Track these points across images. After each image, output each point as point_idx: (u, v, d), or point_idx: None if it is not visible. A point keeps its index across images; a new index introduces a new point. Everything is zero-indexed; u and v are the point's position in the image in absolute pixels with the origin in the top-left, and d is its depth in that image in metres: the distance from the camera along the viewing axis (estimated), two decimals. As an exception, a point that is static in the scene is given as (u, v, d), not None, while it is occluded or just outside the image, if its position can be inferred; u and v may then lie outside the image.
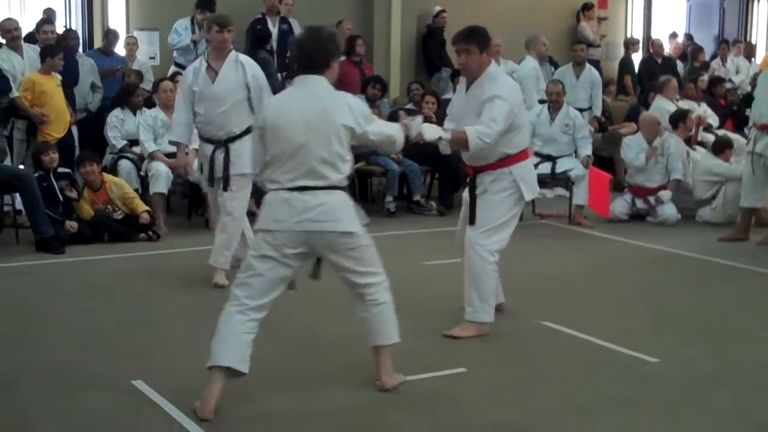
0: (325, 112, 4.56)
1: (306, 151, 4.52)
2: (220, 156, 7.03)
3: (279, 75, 11.74)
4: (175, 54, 11.67)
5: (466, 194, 6.12)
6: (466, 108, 5.88)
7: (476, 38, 5.88)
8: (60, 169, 8.92)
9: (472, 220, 5.91)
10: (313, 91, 4.63)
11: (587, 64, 12.21)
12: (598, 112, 12.13)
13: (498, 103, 5.68)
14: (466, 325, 5.93)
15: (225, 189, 7.06)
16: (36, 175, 8.74)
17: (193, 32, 11.55)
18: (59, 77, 9.74)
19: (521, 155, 5.94)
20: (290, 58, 4.82)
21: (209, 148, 7.10)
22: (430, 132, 5.48)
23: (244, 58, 7.25)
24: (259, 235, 4.64)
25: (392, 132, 4.86)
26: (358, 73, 11.70)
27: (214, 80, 7.02)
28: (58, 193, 8.71)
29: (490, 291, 5.93)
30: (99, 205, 8.83)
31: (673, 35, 16.05)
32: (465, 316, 5.94)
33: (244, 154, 6.79)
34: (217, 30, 7.06)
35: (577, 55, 12.16)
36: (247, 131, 6.80)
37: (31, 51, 9.87)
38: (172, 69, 11.42)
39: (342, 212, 4.60)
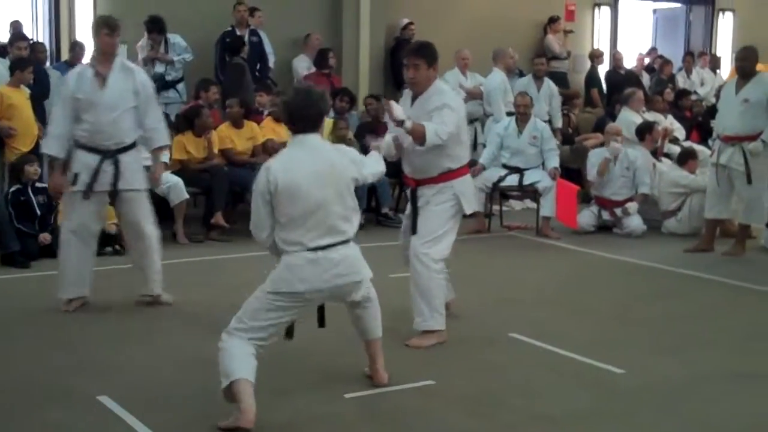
0: (333, 168, 4.74)
1: (325, 210, 4.67)
2: (108, 168, 6.60)
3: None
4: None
5: (408, 208, 6.25)
6: (415, 116, 5.91)
7: (425, 53, 6.02)
8: (38, 184, 8.84)
9: (414, 231, 6.03)
10: (316, 150, 4.78)
11: (545, 78, 12.29)
12: (558, 123, 12.23)
13: (447, 111, 5.87)
14: (423, 335, 5.98)
15: (112, 203, 6.77)
16: (13, 188, 8.66)
17: (150, 49, 11.51)
18: (27, 90, 9.67)
19: (462, 170, 6.11)
20: (284, 119, 4.81)
21: (94, 158, 6.59)
22: (399, 112, 5.72)
23: (132, 65, 7.05)
24: (281, 296, 4.67)
25: (380, 167, 5.25)
26: (328, 85, 11.70)
27: (103, 86, 6.60)
28: (36, 208, 8.63)
29: (439, 299, 6.02)
30: None
31: (651, 51, 16.15)
32: (415, 326, 6.02)
33: (135, 166, 6.70)
34: (107, 33, 6.64)
35: (538, 68, 12.24)
36: (135, 143, 6.72)
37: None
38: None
39: (361, 262, 4.89)
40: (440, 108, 5.85)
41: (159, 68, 11.51)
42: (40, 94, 10.12)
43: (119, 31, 6.76)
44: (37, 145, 9.61)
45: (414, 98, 6.06)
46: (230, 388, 4.51)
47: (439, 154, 5.93)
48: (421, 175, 6.05)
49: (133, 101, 6.66)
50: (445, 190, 6.01)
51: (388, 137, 5.98)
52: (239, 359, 4.57)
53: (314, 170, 4.67)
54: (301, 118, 4.74)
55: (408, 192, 6.35)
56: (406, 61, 6.06)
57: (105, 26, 6.67)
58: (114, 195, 6.67)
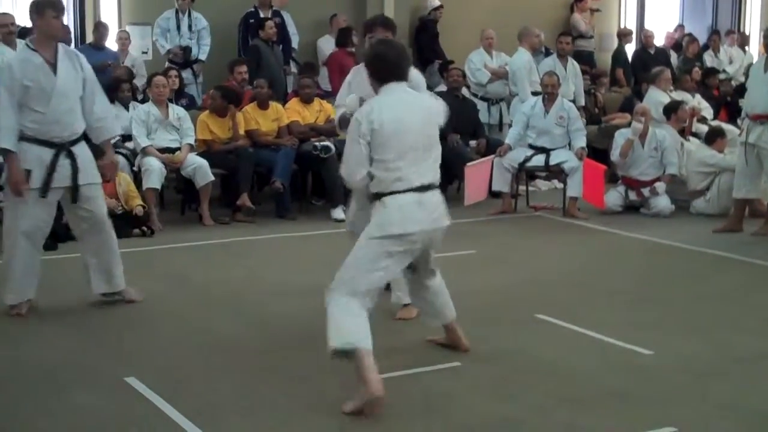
0: (429, 114, 4.91)
1: (427, 149, 4.81)
2: (65, 162, 6.13)
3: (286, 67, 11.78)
4: (165, 45, 11.64)
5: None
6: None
7: (394, 27, 6.03)
8: None
9: None
10: (411, 94, 4.92)
11: (569, 57, 12.19)
12: (582, 102, 12.13)
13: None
14: (408, 307, 5.98)
15: (74, 201, 6.22)
16: None
17: (175, 21, 11.57)
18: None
19: None
20: (372, 68, 4.77)
21: (48, 152, 6.08)
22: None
23: (73, 49, 6.69)
24: (392, 240, 4.65)
25: None
26: (353, 64, 11.67)
27: (55, 73, 6.09)
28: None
29: None
30: (106, 197, 8.78)
31: (678, 28, 16.00)
32: (397, 300, 6.02)
33: (90, 158, 6.29)
34: (55, 16, 6.11)
35: (562, 47, 12.13)
36: (85, 134, 6.29)
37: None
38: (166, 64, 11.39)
39: (445, 208, 4.95)
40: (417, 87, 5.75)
41: (186, 40, 11.54)
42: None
43: (63, 13, 6.34)
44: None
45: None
46: (347, 355, 4.49)
47: None
48: None
49: (81, 90, 6.22)
50: None
51: (354, 96, 5.77)
52: (357, 323, 4.53)
53: (415, 109, 4.80)
54: (395, 68, 4.83)
55: None
56: (373, 32, 5.94)
57: (51, 7, 6.11)
58: (75, 191, 6.20)
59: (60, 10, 6.23)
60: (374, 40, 5.10)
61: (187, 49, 11.55)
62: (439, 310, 5.31)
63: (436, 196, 4.85)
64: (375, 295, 4.70)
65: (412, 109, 4.81)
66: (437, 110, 4.96)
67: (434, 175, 4.86)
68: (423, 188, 4.75)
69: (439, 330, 5.54)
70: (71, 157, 6.15)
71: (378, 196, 4.72)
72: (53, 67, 6.10)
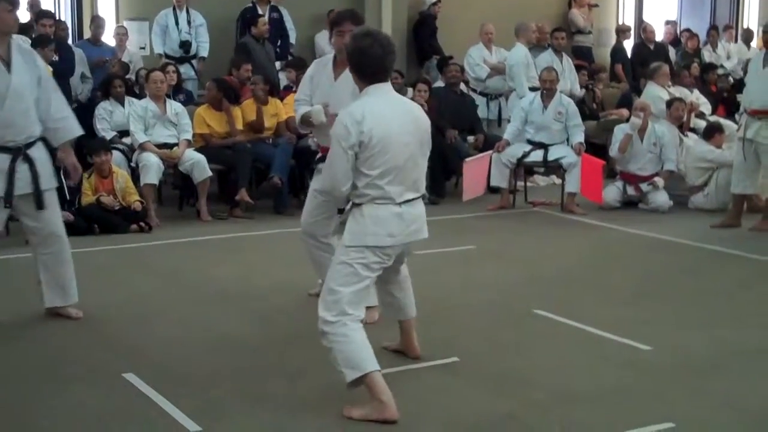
0: (416, 120, 4.62)
1: (412, 163, 4.54)
2: (23, 168, 5.72)
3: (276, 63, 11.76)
4: (158, 46, 11.64)
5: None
6: (340, 91, 5.68)
7: (359, 20, 5.83)
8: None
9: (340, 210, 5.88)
10: (397, 100, 4.67)
11: (563, 52, 12.18)
12: (577, 90, 12.13)
13: None
14: (372, 311, 5.71)
15: (40, 207, 5.82)
16: None
17: (173, 17, 11.56)
18: (50, 68, 9.68)
19: None
20: (356, 65, 4.51)
21: (4, 158, 5.68)
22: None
23: (27, 46, 6.36)
24: (368, 252, 4.47)
25: None
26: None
27: (8, 71, 5.67)
28: (65, 190, 8.66)
29: None
30: (102, 194, 8.80)
31: (671, 23, 15.99)
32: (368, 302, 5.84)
33: (47, 161, 5.89)
34: (9, 9, 5.74)
35: (558, 42, 12.12)
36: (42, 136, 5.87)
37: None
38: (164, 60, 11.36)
39: (424, 220, 4.73)
40: None
41: (185, 35, 11.53)
42: (65, 71, 10.14)
43: (18, 7, 5.91)
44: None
45: (336, 68, 5.81)
46: (361, 380, 4.39)
47: None
48: None
49: (37, 90, 5.80)
50: None
51: (319, 107, 5.71)
52: (362, 348, 4.41)
53: (402, 121, 4.52)
54: (380, 66, 4.52)
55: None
56: (341, 27, 5.74)
57: (5, 0, 5.71)
58: (39, 197, 5.79)
59: (14, 3, 5.81)
60: (357, 31, 4.73)
61: (186, 44, 11.55)
62: (402, 304, 5.13)
63: (417, 208, 4.62)
64: (363, 302, 4.57)
65: (403, 121, 4.52)
66: (426, 125, 4.66)
67: (419, 188, 4.62)
68: (405, 202, 4.53)
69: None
70: (29, 161, 5.75)
71: (357, 203, 4.51)
72: (7, 65, 5.68)
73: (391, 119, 4.47)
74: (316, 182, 6.01)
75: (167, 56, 11.46)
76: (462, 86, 11.70)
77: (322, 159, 5.89)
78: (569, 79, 11.96)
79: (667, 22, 15.87)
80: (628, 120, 10.56)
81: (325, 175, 4.59)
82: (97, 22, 11.38)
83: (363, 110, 4.42)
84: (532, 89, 10.99)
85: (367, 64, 4.52)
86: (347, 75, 5.64)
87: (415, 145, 4.54)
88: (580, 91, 12.31)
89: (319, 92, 5.88)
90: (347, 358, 4.39)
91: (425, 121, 4.67)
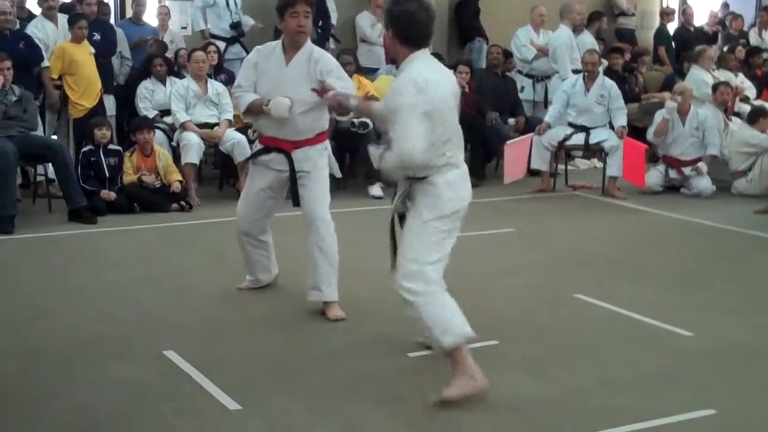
0: (454, 83, 4.65)
1: (459, 125, 4.55)
2: None
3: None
4: (209, 25, 11.58)
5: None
6: (294, 76, 5.59)
7: (312, 3, 5.69)
8: (110, 146, 8.93)
9: (296, 203, 5.79)
10: (440, 64, 4.66)
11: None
12: None
13: (342, 72, 5.70)
14: (334, 305, 5.71)
15: None
16: (85, 149, 8.80)
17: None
18: (91, 47, 9.75)
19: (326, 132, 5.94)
20: (402, 29, 4.41)
21: None
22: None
23: None
24: (447, 219, 4.43)
25: None
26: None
27: None
28: (106, 170, 8.74)
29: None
30: (144, 172, 8.86)
31: (723, 6, 15.77)
32: (324, 297, 5.70)
33: None
34: None
35: (599, 27, 11.98)
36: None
37: (66, 21, 9.87)
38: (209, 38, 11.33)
39: None
40: (334, 69, 5.60)
41: (235, 16, 11.50)
42: (107, 51, 10.20)
43: None
44: (100, 103, 9.73)
45: (286, 53, 5.66)
46: (455, 350, 4.35)
47: (322, 113, 5.71)
48: (298, 136, 5.69)
49: None
50: (323, 152, 5.81)
51: (285, 100, 5.52)
52: (455, 314, 4.38)
53: (451, 85, 4.55)
54: (426, 32, 4.46)
55: (272, 156, 5.78)
56: (299, 8, 5.52)
57: None
58: None
59: None
60: None
61: (238, 25, 11.52)
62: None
63: (466, 165, 4.64)
64: (443, 269, 4.50)
65: (451, 85, 4.57)
66: (458, 88, 4.70)
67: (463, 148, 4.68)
68: (462, 161, 4.57)
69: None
70: None
71: (422, 177, 4.43)
72: None
73: (445, 84, 4.46)
74: (253, 179, 5.89)
75: (216, 36, 11.41)
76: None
77: (264, 151, 5.80)
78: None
79: (721, 5, 15.63)
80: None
81: (402, 146, 4.28)
82: (139, 1, 11.40)
83: (425, 76, 4.32)
84: (576, 71, 10.90)
85: (415, 27, 4.42)
86: (300, 59, 5.62)
87: (457, 108, 4.58)
88: None
89: (267, 79, 5.67)
90: (444, 325, 4.34)
91: (457, 85, 4.73)
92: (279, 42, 5.77)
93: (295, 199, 5.77)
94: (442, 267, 4.47)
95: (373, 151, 4.51)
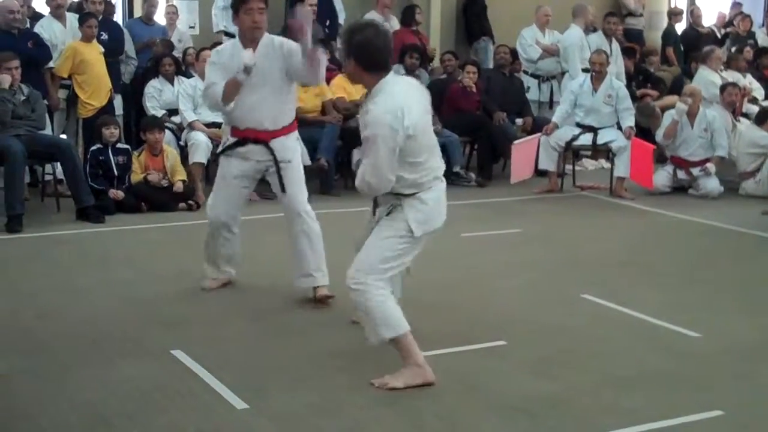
0: (424, 93, 4.66)
1: (435, 137, 4.68)
2: None
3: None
4: (223, 23, 11.57)
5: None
6: (260, 65, 5.58)
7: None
8: (118, 144, 8.95)
9: (283, 189, 5.87)
10: (407, 80, 4.75)
11: (612, 37, 12.04)
12: (623, 81, 11.99)
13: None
14: (324, 289, 5.87)
15: None
16: (94, 148, 8.82)
17: None
18: (100, 47, 9.76)
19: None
20: (365, 58, 4.40)
21: None
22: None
23: None
24: (426, 235, 4.55)
25: None
26: (417, 42, 11.67)
27: None
28: (114, 168, 8.76)
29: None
30: (150, 172, 8.88)
31: (735, 5, 15.73)
32: (316, 282, 5.86)
33: None
34: None
35: (610, 27, 11.96)
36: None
37: (74, 20, 9.89)
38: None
39: None
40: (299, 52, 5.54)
41: None
42: (114, 50, 10.21)
43: None
44: (109, 102, 9.75)
45: (245, 48, 5.64)
46: (398, 341, 4.50)
47: (292, 99, 5.82)
48: (274, 125, 5.77)
49: None
50: (297, 142, 5.93)
51: (247, 51, 5.57)
52: (395, 310, 4.51)
53: (421, 100, 4.55)
54: (387, 57, 4.48)
55: (249, 147, 5.83)
56: (250, 4, 5.58)
57: None
58: None
59: None
60: (355, 23, 4.62)
61: None
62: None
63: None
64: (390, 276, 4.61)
65: (421, 100, 4.56)
66: (427, 97, 4.67)
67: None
68: (442, 176, 4.65)
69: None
70: None
71: (409, 195, 4.50)
72: None
73: (415, 103, 4.46)
74: (228, 170, 5.93)
75: (230, 35, 11.37)
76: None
77: (239, 143, 5.83)
78: (615, 64, 11.81)
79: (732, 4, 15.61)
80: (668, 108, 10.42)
81: (371, 178, 4.39)
82: (151, 1, 11.42)
83: (398, 104, 4.33)
84: (585, 71, 10.90)
85: (377, 53, 4.43)
86: (262, 50, 5.63)
87: (430, 117, 4.65)
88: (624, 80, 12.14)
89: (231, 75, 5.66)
90: (385, 317, 4.46)
91: (427, 94, 4.71)
92: (236, 40, 5.82)
93: (282, 186, 5.84)
94: (397, 271, 4.60)
95: (356, 155, 4.59)
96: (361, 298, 4.50)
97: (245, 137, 5.80)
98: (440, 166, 4.61)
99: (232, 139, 5.89)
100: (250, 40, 5.67)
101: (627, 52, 12.58)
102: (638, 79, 12.52)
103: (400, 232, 4.50)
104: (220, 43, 10.65)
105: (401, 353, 4.55)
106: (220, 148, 6.07)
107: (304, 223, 5.80)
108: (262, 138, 5.77)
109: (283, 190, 5.83)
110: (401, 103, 4.35)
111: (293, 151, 5.86)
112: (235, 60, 5.66)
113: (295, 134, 5.97)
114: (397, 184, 4.44)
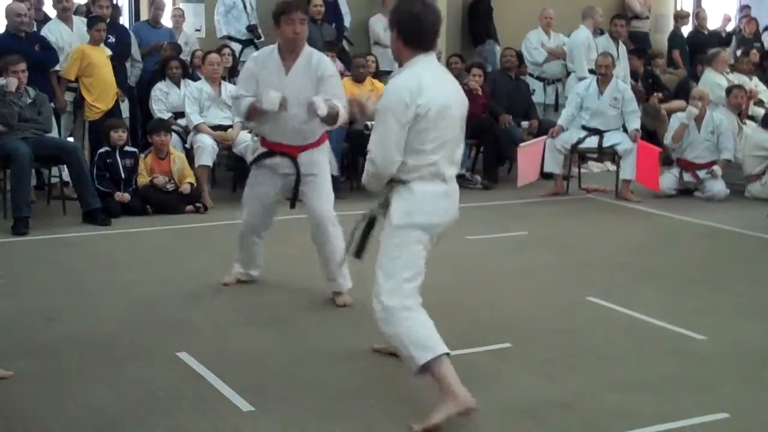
0: (461, 94, 4.42)
1: (458, 138, 4.35)
2: None
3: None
4: (223, 27, 11.59)
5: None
6: (296, 83, 5.63)
7: (306, 9, 5.75)
8: (126, 147, 8.97)
9: (293, 205, 5.92)
10: (444, 70, 4.48)
11: (619, 40, 12.04)
12: (628, 83, 11.99)
13: (337, 80, 5.77)
14: (346, 294, 5.96)
15: None
16: (101, 150, 8.84)
17: (242, 2, 11.50)
18: (108, 50, 9.79)
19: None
20: (407, 31, 4.22)
21: None
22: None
23: None
24: (419, 230, 4.25)
25: None
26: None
27: None
28: (122, 171, 8.78)
29: None
30: (156, 175, 8.90)
31: (743, 8, 15.73)
32: (340, 288, 5.95)
33: None
34: None
35: (617, 29, 11.94)
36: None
37: (81, 23, 9.91)
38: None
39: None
40: (333, 76, 5.67)
41: (253, 19, 11.49)
42: (122, 53, 10.23)
43: None
44: (116, 105, 9.77)
45: (284, 59, 5.68)
46: (431, 366, 4.14)
47: None
48: (303, 140, 5.80)
49: None
50: (325, 152, 5.93)
51: (276, 94, 5.56)
52: (429, 327, 4.20)
53: (454, 93, 4.31)
54: (432, 34, 4.25)
55: (277, 160, 5.87)
56: (294, 15, 5.56)
57: None
58: None
59: None
60: None
61: (255, 28, 11.53)
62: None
63: (456, 186, 4.41)
64: (419, 284, 4.34)
65: (453, 92, 4.32)
66: (465, 100, 4.43)
67: (457, 164, 4.41)
68: (451, 179, 4.34)
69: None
70: None
71: (403, 181, 4.25)
72: None
73: (445, 90, 4.25)
74: (259, 181, 6.00)
75: (232, 38, 11.42)
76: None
77: (268, 154, 5.85)
78: (621, 66, 11.81)
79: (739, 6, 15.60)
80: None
81: (376, 152, 4.20)
82: (157, 4, 11.43)
83: (419, 81, 4.13)
84: (591, 72, 10.91)
85: (420, 30, 4.23)
86: (299, 67, 5.62)
87: (461, 119, 4.36)
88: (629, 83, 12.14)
89: (269, 88, 5.64)
90: (416, 340, 4.17)
91: (465, 96, 4.48)
92: (275, 47, 5.75)
93: (293, 202, 5.92)
94: (419, 282, 4.30)
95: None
96: (388, 327, 4.24)
97: (273, 149, 5.84)
98: (448, 166, 4.29)
99: (261, 149, 5.93)
100: (290, 50, 5.66)
101: (636, 53, 12.58)
102: (647, 82, 12.50)
103: (392, 234, 4.27)
104: (227, 47, 10.72)
105: (438, 384, 4.18)
106: (251, 158, 6.11)
107: (328, 233, 5.85)
108: (289, 152, 5.81)
109: (293, 205, 5.96)
110: (423, 80, 4.14)
111: (321, 164, 5.88)
112: (270, 70, 5.68)
113: (325, 146, 5.96)
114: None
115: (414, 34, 4.24)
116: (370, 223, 4.48)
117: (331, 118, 5.52)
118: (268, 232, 6.29)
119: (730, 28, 15.29)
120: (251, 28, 11.52)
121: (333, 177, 6.05)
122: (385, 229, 4.33)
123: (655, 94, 12.24)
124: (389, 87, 4.27)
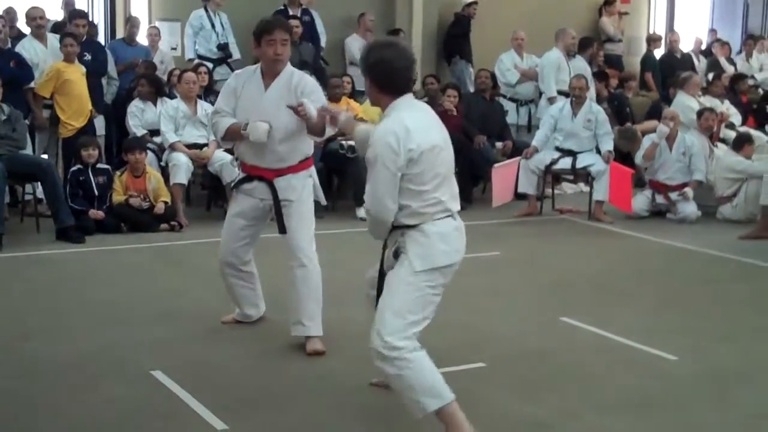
0: (443, 126, 4.33)
1: (452, 169, 4.29)
2: None
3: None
4: (196, 46, 11.60)
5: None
6: (271, 102, 5.43)
7: (289, 30, 5.59)
8: (98, 165, 8.95)
9: (282, 230, 5.56)
10: (425, 107, 4.40)
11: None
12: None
13: (321, 94, 5.58)
14: (317, 339, 5.50)
15: None
16: (74, 168, 8.82)
17: (209, 20, 11.52)
18: (83, 67, 9.77)
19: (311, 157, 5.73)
20: (380, 77, 4.19)
21: None
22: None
23: None
24: (437, 273, 4.15)
25: None
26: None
27: None
28: (95, 188, 8.76)
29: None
30: (132, 192, 8.88)
31: (711, 32, 15.93)
32: (305, 332, 5.50)
33: None
34: None
35: (592, 53, 12.06)
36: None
37: (55, 40, 9.90)
38: (196, 60, 11.34)
39: None
40: (315, 91, 5.46)
41: (222, 38, 11.49)
42: (98, 70, 10.22)
43: None
44: (90, 122, 9.74)
45: (264, 78, 5.50)
46: (443, 412, 4.10)
47: (304, 139, 5.49)
48: (280, 164, 5.51)
49: None
50: (307, 180, 5.60)
51: (263, 123, 5.34)
52: (435, 372, 4.11)
53: (439, 128, 4.24)
54: (407, 78, 4.18)
55: (255, 184, 5.60)
56: (277, 35, 5.37)
57: None
58: None
59: None
60: (376, 41, 4.38)
61: (225, 46, 11.55)
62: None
63: (462, 221, 4.34)
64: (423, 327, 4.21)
65: (439, 128, 4.26)
66: (443, 128, 4.34)
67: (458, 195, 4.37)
68: (457, 213, 4.27)
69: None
70: None
71: (413, 225, 4.15)
72: None
73: (431, 128, 4.20)
74: (234, 206, 5.75)
75: (203, 58, 11.43)
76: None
77: (246, 179, 5.61)
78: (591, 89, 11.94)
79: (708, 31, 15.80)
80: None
81: (370, 202, 4.13)
82: (133, 22, 11.44)
83: (405, 125, 4.05)
84: (561, 93, 11.00)
85: (392, 76, 4.17)
86: (278, 86, 5.45)
87: (451, 151, 4.30)
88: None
89: (247, 105, 5.49)
90: (425, 385, 4.08)
91: (448, 136, 4.40)
92: (258, 66, 5.60)
93: (281, 227, 5.56)
94: (427, 322, 4.21)
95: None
96: (393, 368, 4.09)
97: (251, 174, 5.60)
98: (451, 201, 4.23)
99: (241, 175, 5.71)
100: (270, 72, 5.49)
101: (598, 76, 12.64)
102: (613, 105, 12.56)
103: (408, 276, 4.12)
104: (203, 65, 10.73)
105: (447, 425, 4.12)
106: (233, 183, 5.90)
107: (301, 267, 5.49)
108: (266, 176, 5.54)
109: (282, 230, 5.56)
110: (407, 125, 4.06)
111: (299, 190, 5.54)
112: (250, 88, 5.50)
113: (306, 172, 5.62)
114: (400, 212, 4.13)
115: (387, 80, 4.19)
116: (382, 276, 4.35)
117: (319, 128, 5.28)
118: (249, 268, 5.90)
119: (701, 51, 15.47)
120: (221, 47, 11.53)
121: (316, 203, 5.72)
122: (401, 271, 4.17)
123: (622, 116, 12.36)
124: (376, 136, 4.12)
